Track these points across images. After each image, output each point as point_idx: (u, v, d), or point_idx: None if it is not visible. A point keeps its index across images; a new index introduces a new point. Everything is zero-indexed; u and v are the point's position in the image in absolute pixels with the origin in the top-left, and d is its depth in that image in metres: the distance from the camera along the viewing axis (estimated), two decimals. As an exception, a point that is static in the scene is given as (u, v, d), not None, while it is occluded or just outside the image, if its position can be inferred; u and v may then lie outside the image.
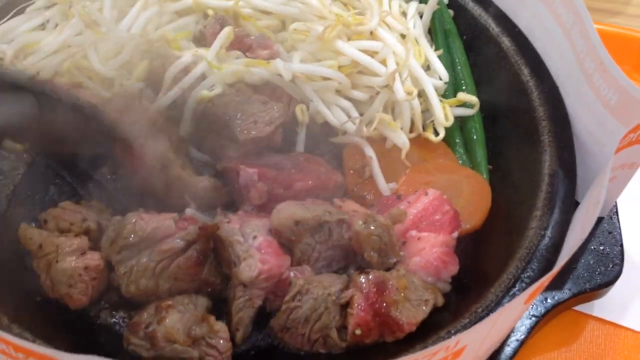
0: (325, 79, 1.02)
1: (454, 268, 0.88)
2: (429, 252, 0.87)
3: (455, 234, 0.90)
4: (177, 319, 0.80)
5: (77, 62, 1.01)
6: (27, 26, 1.10)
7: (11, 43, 1.07)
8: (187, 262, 0.83)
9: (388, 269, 0.86)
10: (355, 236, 0.85)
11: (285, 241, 0.87)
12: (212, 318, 0.82)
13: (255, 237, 0.84)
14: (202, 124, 0.99)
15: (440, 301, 0.84)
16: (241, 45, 1.04)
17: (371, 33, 1.09)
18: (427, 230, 0.88)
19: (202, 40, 1.06)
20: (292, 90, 1.02)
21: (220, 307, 0.87)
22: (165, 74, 0.99)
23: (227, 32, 1.03)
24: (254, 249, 0.82)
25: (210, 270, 0.85)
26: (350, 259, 0.89)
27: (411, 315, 0.80)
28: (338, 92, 1.05)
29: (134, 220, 0.84)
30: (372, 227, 0.84)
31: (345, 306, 0.81)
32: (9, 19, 1.10)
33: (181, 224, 0.86)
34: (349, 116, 1.03)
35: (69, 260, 0.83)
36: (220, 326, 0.81)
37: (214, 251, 0.86)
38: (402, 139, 1.03)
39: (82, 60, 1.01)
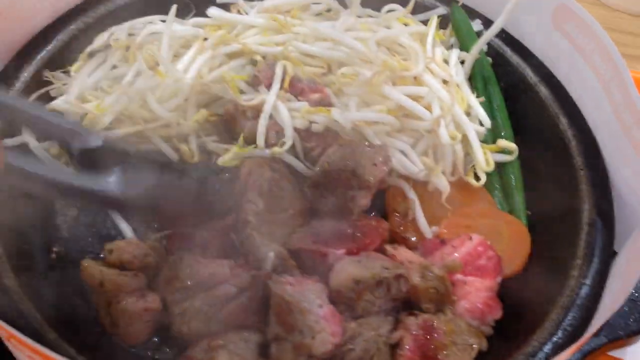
0: (376, 122, 1.07)
1: (497, 312, 0.91)
2: (475, 296, 0.90)
3: (499, 279, 0.93)
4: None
5: (137, 106, 1.06)
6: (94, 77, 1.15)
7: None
8: (236, 308, 0.86)
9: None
10: (413, 290, 0.88)
11: (346, 300, 0.89)
12: None
13: (320, 306, 0.85)
14: (326, 183, 1.01)
15: (485, 345, 0.88)
16: (293, 89, 1.09)
17: (415, 78, 1.14)
18: (472, 274, 0.92)
19: (256, 84, 1.11)
20: (351, 135, 1.07)
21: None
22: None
23: (281, 70, 1.09)
24: (323, 321, 0.83)
25: (259, 319, 0.88)
26: (404, 307, 0.92)
27: (457, 358, 0.83)
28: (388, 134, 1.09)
29: (191, 263, 0.88)
30: (429, 281, 0.88)
31: (394, 347, 0.85)
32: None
33: (235, 271, 0.89)
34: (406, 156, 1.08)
35: (130, 301, 0.87)
36: None
37: (265, 302, 0.87)
38: (443, 183, 1.07)
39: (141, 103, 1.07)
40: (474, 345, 0.85)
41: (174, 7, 1.15)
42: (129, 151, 0.83)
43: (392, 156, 1.05)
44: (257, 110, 1.06)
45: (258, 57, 1.14)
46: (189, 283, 0.86)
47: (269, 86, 1.08)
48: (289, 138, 1.04)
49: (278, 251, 0.91)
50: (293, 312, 0.84)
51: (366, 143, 1.04)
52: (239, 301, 0.86)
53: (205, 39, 1.16)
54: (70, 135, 0.79)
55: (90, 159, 0.80)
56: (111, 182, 0.78)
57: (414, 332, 0.84)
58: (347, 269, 0.90)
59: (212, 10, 1.20)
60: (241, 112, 1.05)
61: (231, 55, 1.18)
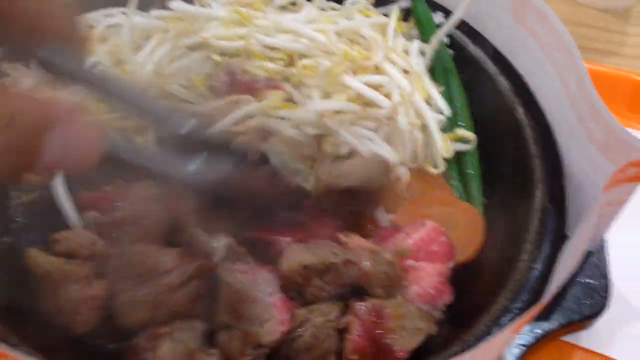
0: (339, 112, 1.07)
1: (448, 297, 0.92)
2: (426, 281, 0.91)
3: (451, 264, 0.94)
4: (168, 350, 0.82)
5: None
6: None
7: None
8: (183, 297, 0.85)
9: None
10: (364, 275, 0.89)
11: (295, 286, 0.89)
12: (202, 354, 0.84)
13: (271, 294, 0.86)
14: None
15: (434, 329, 0.88)
16: (250, 91, 1.09)
17: (376, 68, 1.15)
18: (424, 260, 0.93)
19: (213, 91, 1.11)
20: (317, 126, 1.07)
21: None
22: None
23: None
24: (272, 309, 0.84)
25: (207, 308, 0.87)
26: (355, 292, 0.92)
27: (405, 343, 0.84)
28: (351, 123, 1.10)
29: (139, 252, 0.87)
30: (379, 265, 0.88)
31: (343, 332, 0.85)
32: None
33: (184, 259, 0.88)
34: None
35: (75, 288, 0.86)
36: None
37: (213, 291, 0.87)
38: (402, 171, 1.08)
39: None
40: (422, 329, 0.86)
41: (133, -1, 1.15)
42: (214, 138, 0.82)
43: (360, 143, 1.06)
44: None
45: (215, 57, 1.15)
46: (135, 271, 0.86)
47: (228, 92, 1.09)
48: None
49: (226, 241, 0.91)
50: (243, 301, 0.84)
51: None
52: (186, 290, 0.85)
53: (167, 31, 1.17)
54: (163, 119, 0.79)
55: (173, 142, 0.79)
56: (197, 168, 0.76)
57: (362, 317, 0.85)
58: (296, 255, 0.90)
59: (174, 3, 1.21)
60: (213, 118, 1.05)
61: (193, 48, 1.18)
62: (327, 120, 1.06)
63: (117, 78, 0.77)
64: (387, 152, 1.07)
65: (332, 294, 0.89)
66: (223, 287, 0.85)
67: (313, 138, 1.07)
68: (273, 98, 1.05)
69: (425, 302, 0.91)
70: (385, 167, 1.02)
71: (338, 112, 1.08)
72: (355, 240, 0.95)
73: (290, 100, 1.10)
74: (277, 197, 0.92)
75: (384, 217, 1.03)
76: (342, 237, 0.97)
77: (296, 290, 0.89)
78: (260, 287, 0.87)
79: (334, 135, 1.07)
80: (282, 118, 1.06)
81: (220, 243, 0.91)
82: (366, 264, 0.88)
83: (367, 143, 1.08)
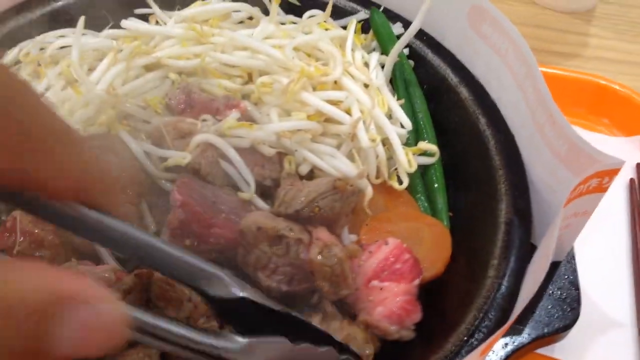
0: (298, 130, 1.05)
1: (416, 316, 0.90)
2: (392, 301, 0.89)
3: (417, 282, 0.92)
4: None
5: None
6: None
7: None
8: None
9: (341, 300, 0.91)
10: (309, 263, 0.89)
11: (245, 244, 0.92)
12: None
13: None
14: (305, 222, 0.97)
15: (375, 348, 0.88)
16: (208, 110, 1.07)
17: (335, 83, 1.13)
18: (389, 279, 0.91)
19: (169, 109, 1.09)
20: (276, 145, 1.05)
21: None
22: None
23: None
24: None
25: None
26: (312, 282, 0.91)
27: None
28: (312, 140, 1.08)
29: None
30: (326, 258, 0.88)
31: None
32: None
33: (120, 274, 0.85)
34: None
35: None
36: None
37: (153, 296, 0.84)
38: (365, 185, 1.05)
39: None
40: (369, 354, 0.85)
41: (81, 19, 1.12)
42: (272, 308, 0.72)
43: (321, 160, 1.05)
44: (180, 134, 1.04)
45: (172, 75, 1.12)
46: None
47: (182, 111, 1.06)
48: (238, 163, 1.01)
49: None
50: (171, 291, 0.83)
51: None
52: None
53: (121, 50, 1.13)
54: (209, 281, 0.71)
55: (231, 309, 0.70)
56: (236, 343, 0.67)
57: None
58: (258, 216, 0.92)
59: (126, 22, 1.18)
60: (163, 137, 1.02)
61: (148, 68, 1.15)
62: (285, 140, 1.04)
63: (157, 238, 0.69)
64: (349, 168, 1.05)
65: (281, 270, 0.90)
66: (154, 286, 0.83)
67: (275, 156, 1.05)
68: (229, 119, 1.03)
69: (392, 322, 0.88)
70: (351, 190, 0.99)
71: (297, 130, 1.05)
72: (320, 232, 0.93)
73: (249, 118, 1.07)
74: None
75: (347, 237, 1.01)
76: (309, 228, 0.95)
77: (244, 248, 0.91)
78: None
79: (294, 154, 1.05)
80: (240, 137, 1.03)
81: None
82: (315, 253, 0.88)
83: (329, 159, 1.06)
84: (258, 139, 1.02)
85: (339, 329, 0.87)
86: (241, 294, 0.70)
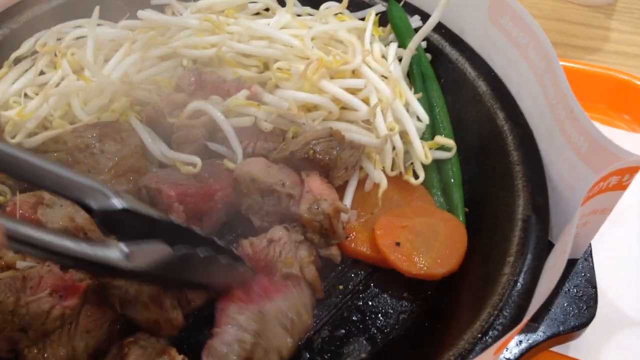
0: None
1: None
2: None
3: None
4: (139, 354, 0.81)
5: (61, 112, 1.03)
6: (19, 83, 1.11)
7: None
8: (92, 307, 0.83)
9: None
10: (299, 217, 0.94)
11: (239, 190, 0.98)
12: (173, 350, 0.83)
13: None
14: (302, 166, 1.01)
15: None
16: (219, 91, 1.06)
17: (353, 72, 1.12)
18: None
19: (179, 90, 1.08)
20: (285, 124, 1.06)
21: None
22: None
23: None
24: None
25: (112, 305, 0.85)
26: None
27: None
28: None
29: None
30: (314, 214, 0.93)
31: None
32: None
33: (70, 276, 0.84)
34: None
35: None
36: (182, 357, 0.82)
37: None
38: (380, 177, 1.05)
39: (65, 107, 1.04)
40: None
41: (97, 9, 1.12)
42: (153, 217, 0.77)
43: (347, 134, 1.04)
44: (176, 106, 1.05)
45: (184, 62, 1.11)
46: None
47: (192, 92, 1.05)
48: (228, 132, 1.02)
49: None
50: None
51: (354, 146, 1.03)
52: (89, 301, 0.83)
53: (136, 41, 1.13)
54: (90, 195, 0.73)
55: (112, 221, 0.73)
56: (117, 251, 0.71)
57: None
58: (252, 166, 0.98)
59: (142, 12, 1.17)
60: (160, 112, 1.02)
61: (164, 57, 1.15)
62: (299, 118, 1.04)
63: (36, 155, 0.72)
64: (368, 138, 1.05)
65: (271, 215, 0.98)
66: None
67: (277, 130, 1.06)
68: (238, 96, 1.04)
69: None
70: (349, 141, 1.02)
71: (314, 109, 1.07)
72: (312, 181, 0.97)
73: (260, 102, 1.07)
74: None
75: (349, 201, 1.05)
76: (303, 174, 0.99)
77: (238, 194, 0.99)
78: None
79: (302, 126, 1.06)
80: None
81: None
82: (304, 207, 0.94)
83: (345, 133, 1.05)
84: (265, 111, 1.04)
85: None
86: (122, 206, 0.73)
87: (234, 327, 0.84)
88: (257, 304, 0.87)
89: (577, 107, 0.91)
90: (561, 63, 0.96)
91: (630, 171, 0.84)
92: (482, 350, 0.80)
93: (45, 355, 0.79)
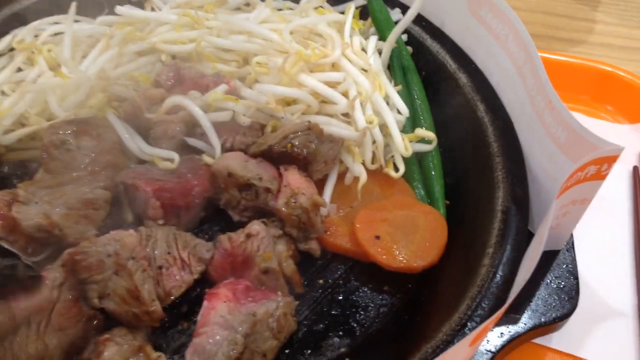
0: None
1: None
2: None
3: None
4: (114, 352, 0.80)
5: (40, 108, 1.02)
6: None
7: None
8: (66, 305, 0.83)
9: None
10: (277, 211, 0.94)
11: (217, 185, 0.98)
12: (148, 347, 0.83)
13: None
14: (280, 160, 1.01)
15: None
16: (197, 86, 1.05)
17: (333, 65, 1.12)
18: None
19: (158, 85, 1.07)
20: (264, 118, 1.06)
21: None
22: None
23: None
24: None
25: (90, 300, 0.85)
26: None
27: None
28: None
29: None
30: (292, 208, 0.93)
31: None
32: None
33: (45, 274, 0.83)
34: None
35: None
36: (157, 355, 0.82)
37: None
38: (360, 170, 1.04)
39: (42, 104, 1.03)
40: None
41: (73, 5, 1.11)
42: None
43: (326, 127, 1.04)
44: (154, 101, 1.04)
45: (163, 57, 1.11)
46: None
47: (171, 88, 1.05)
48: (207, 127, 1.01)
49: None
50: None
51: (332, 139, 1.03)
52: (63, 298, 0.82)
53: (113, 37, 1.12)
54: None
55: None
56: None
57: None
58: (229, 161, 0.98)
59: (121, 8, 1.16)
60: (138, 108, 1.01)
61: (142, 53, 1.14)
62: (277, 112, 1.04)
63: None
64: (347, 131, 1.05)
65: (250, 210, 0.98)
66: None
67: (256, 124, 1.06)
68: (216, 91, 1.03)
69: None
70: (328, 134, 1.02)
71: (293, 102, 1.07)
72: (290, 175, 0.97)
73: (238, 96, 1.06)
74: None
75: (328, 197, 1.04)
76: (281, 168, 1.00)
77: (216, 189, 0.98)
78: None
79: (281, 120, 1.06)
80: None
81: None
82: (281, 203, 0.94)
83: (329, 126, 1.05)
84: (238, 111, 1.03)
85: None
86: None
87: (225, 327, 0.83)
88: (248, 306, 0.86)
89: (555, 97, 0.90)
90: (545, 55, 0.96)
91: (608, 160, 0.84)
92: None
93: (15, 353, 0.78)
